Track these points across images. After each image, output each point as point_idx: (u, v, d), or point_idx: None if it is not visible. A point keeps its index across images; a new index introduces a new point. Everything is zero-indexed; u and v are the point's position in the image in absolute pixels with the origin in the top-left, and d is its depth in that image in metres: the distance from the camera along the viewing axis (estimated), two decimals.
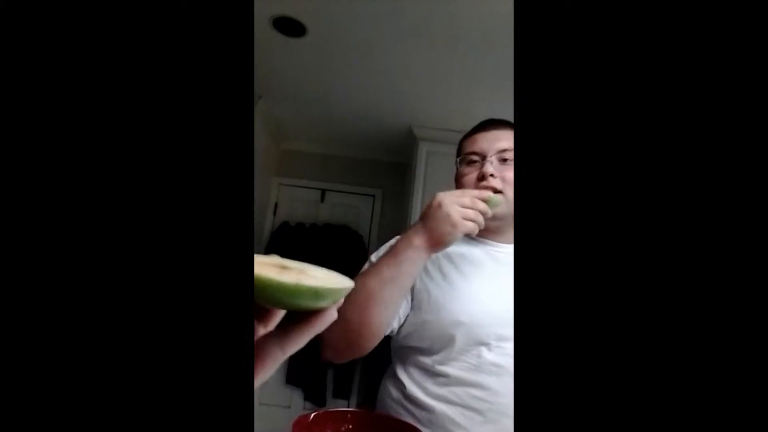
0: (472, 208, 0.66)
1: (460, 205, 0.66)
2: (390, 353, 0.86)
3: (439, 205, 0.66)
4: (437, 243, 0.67)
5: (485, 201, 0.68)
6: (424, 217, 0.68)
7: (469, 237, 0.83)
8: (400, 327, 0.79)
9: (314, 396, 2.82)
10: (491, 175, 0.76)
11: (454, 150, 0.89)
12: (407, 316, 0.78)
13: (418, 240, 0.67)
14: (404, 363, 0.80)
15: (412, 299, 0.78)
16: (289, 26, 1.76)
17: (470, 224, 0.66)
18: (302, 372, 2.85)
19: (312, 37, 1.81)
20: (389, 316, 0.71)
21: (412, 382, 0.76)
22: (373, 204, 3.14)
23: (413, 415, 0.74)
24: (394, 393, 0.79)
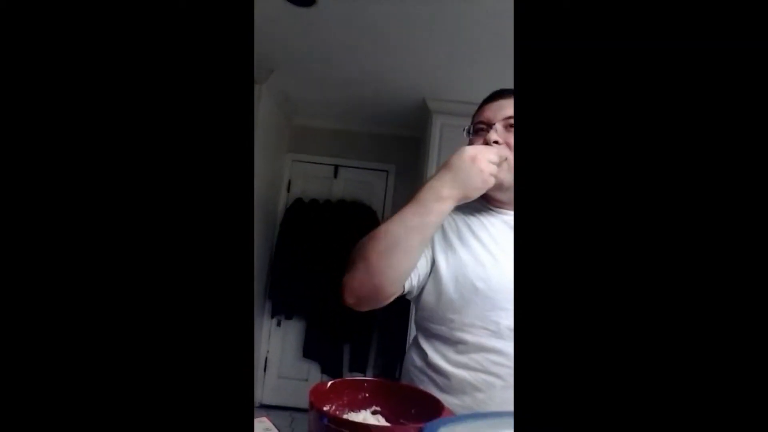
0: (498, 164, 0.69)
1: (490, 161, 0.68)
2: (406, 327, 0.87)
3: (473, 159, 0.67)
4: (466, 196, 0.68)
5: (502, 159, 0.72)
6: (452, 168, 0.69)
7: (485, 207, 0.84)
8: (420, 295, 0.80)
9: (331, 369, 2.88)
10: (495, 142, 0.77)
11: (468, 122, 0.88)
12: (427, 276, 0.78)
13: (446, 191, 0.68)
14: (426, 331, 0.81)
15: (433, 263, 0.78)
16: None
17: (493, 180, 0.69)
18: (319, 346, 2.91)
19: (322, 6, 1.77)
20: (411, 264, 0.72)
21: (433, 350, 0.78)
22: (387, 179, 3.13)
23: (435, 383, 0.76)
24: (418, 361, 0.81)
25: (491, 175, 0.68)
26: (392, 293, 0.73)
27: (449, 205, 0.68)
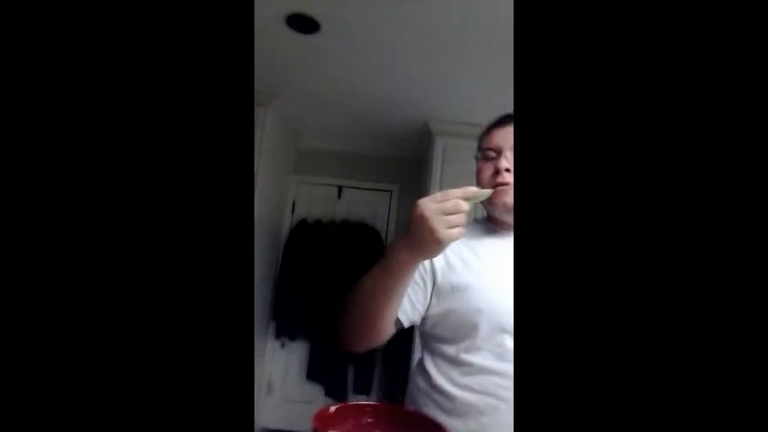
0: (455, 213, 0.59)
1: (443, 213, 0.59)
2: (410, 348, 0.87)
3: (422, 217, 0.59)
4: (423, 255, 0.63)
5: (472, 197, 0.62)
6: (410, 229, 0.62)
7: (489, 228, 0.84)
8: (425, 317, 0.80)
9: (335, 392, 2.84)
10: (506, 170, 0.77)
11: (470, 144, 0.90)
12: (428, 306, 0.79)
13: (404, 254, 0.64)
14: (431, 353, 0.81)
15: (433, 288, 0.79)
16: (303, 23, 1.76)
17: (455, 232, 0.59)
18: (323, 368, 2.87)
19: (326, 33, 1.81)
20: (388, 316, 0.72)
21: (438, 372, 0.78)
22: (390, 200, 3.14)
23: (439, 406, 0.75)
24: (422, 384, 0.80)
25: (451, 227, 0.59)
26: (381, 339, 0.75)
27: (409, 267, 0.65)
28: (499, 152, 0.80)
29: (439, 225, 0.58)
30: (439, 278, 0.78)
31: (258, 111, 2.44)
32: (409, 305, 0.77)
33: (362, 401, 0.76)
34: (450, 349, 0.77)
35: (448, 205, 0.59)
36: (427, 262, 0.79)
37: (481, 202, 0.72)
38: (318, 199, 3.11)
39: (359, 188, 3.13)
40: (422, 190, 2.75)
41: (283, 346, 2.98)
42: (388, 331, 0.74)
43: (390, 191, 3.15)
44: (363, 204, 3.12)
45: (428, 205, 0.60)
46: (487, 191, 0.67)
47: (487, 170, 0.81)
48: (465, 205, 0.60)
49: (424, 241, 0.60)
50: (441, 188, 2.44)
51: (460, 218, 0.60)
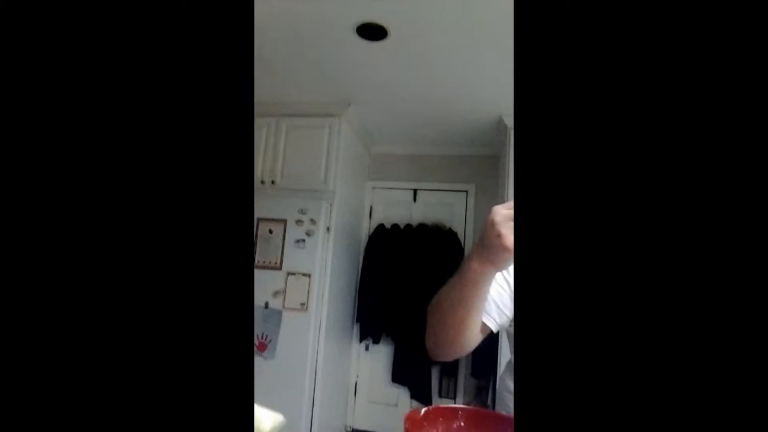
0: None
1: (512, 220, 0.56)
2: (496, 350, 0.85)
3: (492, 223, 0.58)
4: (495, 263, 0.61)
5: None
6: (482, 236, 0.61)
7: None
8: (512, 320, 0.78)
9: (420, 395, 2.84)
10: None
11: None
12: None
13: (476, 263, 0.62)
14: None
15: None
16: (372, 31, 1.80)
17: None
18: (407, 371, 2.89)
19: (394, 39, 1.83)
20: (470, 329, 0.70)
21: None
22: (467, 199, 3.09)
23: None
24: (511, 386, 0.79)
25: None
26: (468, 347, 0.73)
27: (484, 275, 0.63)
28: None
29: (507, 232, 0.56)
30: None
31: (333, 121, 2.52)
32: (495, 310, 0.75)
33: (449, 405, 0.75)
34: None
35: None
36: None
37: None
38: (394, 204, 3.15)
39: (434, 190, 3.12)
40: (499, 187, 2.68)
41: (367, 348, 3.04)
42: (473, 338, 0.73)
43: (466, 191, 3.10)
44: (439, 205, 3.10)
45: (500, 210, 0.58)
46: None
47: None
48: None
49: (493, 248, 0.58)
50: None
51: None
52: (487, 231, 0.59)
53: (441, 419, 0.58)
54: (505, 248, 0.56)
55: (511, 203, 0.58)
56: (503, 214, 0.57)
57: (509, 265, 0.61)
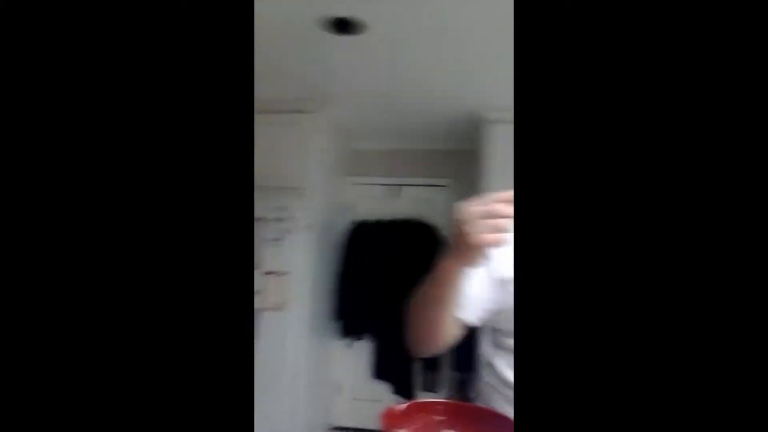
0: (494, 216, 0.55)
1: (481, 217, 0.55)
2: (477, 345, 0.86)
3: (458, 221, 0.57)
4: (464, 261, 0.61)
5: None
6: (453, 236, 0.60)
7: None
8: (489, 313, 0.78)
9: (402, 390, 2.84)
10: None
11: None
12: (491, 301, 0.77)
13: (448, 262, 0.62)
14: (496, 347, 0.80)
15: (494, 283, 0.77)
16: (347, 26, 1.77)
17: (491, 236, 0.55)
18: (389, 367, 2.88)
19: (371, 33, 1.81)
20: (446, 326, 0.72)
21: (504, 365, 0.77)
22: (447, 194, 3.10)
23: (508, 399, 0.74)
24: (490, 379, 0.80)
25: (493, 232, 0.55)
26: (446, 343, 0.75)
27: (456, 274, 0.63)
28: None
29: (472, 230, 0.55)
30: (499, 272, 0.76)
31: (308, 117, 2.49)
32: (471, 304, 0.75)
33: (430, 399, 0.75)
34: (512, 340, 0.75)
35: (486, 208, 0.56)
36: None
37: None
38: (376, 199, 3.14)
39: (416, 185, 3.12)
40: (479, 182, 2.69)
41: (349, 345, 3.02)
42: (450, 334, 0.74)
43: (445, 186, 3.11)
44: (421, 201, 3.10)
45: (467, 208, 0.57)
46: None
47: None
48: (504, 209, 0.55)
49: (461, 247, 0.58)
50: (500, 177, 2.38)
51: (498, 222, 0.55)
52: (455, 230, 0.58)
53: (420, 414, 0.57)
54: (472, 245, 0.56)
55: (476, 200, 0.58)
56: (470, 211, 0.57)
57: (479, 261, 0.61)
